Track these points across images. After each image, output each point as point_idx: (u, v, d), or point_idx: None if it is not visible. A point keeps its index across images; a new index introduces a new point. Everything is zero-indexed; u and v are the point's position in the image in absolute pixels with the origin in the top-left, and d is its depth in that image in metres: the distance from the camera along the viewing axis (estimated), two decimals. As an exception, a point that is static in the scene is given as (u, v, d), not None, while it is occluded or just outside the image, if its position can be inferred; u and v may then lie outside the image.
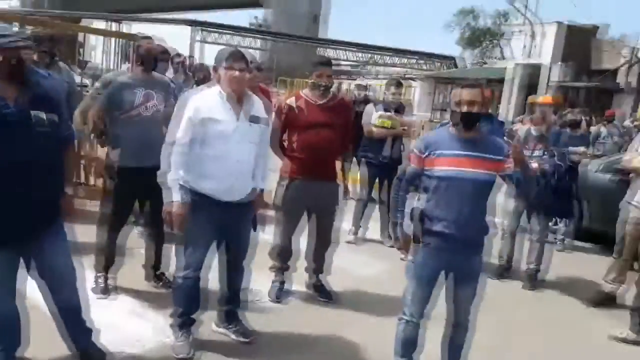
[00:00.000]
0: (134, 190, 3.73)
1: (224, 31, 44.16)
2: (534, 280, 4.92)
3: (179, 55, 6.54)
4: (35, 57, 4.32)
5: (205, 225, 3.02)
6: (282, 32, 47.93)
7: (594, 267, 5.55)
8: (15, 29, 5.48)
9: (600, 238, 6.36)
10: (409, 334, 2.91)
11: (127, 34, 8.74)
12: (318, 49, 46.07)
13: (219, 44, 43.65)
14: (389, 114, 5.53)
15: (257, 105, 3.12)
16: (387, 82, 6.01)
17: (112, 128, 3.71)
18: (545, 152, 4.69)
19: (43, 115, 2.50)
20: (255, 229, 3.27)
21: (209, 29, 43.08)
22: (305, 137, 3.80)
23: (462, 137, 2.74)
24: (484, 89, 2.75)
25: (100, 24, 44.05)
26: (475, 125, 2.73)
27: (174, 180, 2.92)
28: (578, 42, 17.35)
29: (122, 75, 3.75)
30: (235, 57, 2.95)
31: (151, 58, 3.71)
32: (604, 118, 10.18)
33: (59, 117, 2.62)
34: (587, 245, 6.64)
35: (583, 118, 7.20)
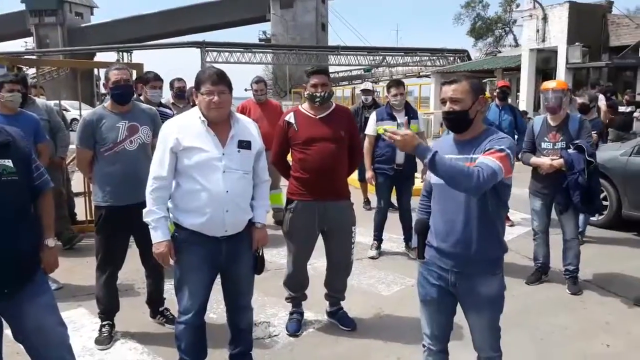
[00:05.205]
0: (124, 230, 3.50)
1: (234, 49, 44.46)
2: (577, 282, 4.50)
3: (179, 80, 6.33)
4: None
5: (198, 265, 2.75)
6: (291, 44, 48.08)
7: (637, 259, 5.14)
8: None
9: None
10: None
11: (133, 64, 8.64)
12: (329, 56, 46.07)
13: (230, 62, 44.03)
14: (387, 125, 5.19)
15: (247, 128, 2.82)
16: (387, 83, 5.62)
17: (96, 166, 3.48)
18: (570, 145, 4.27)
19: (9, 163, 2.28)
20: (259, 272, 2.96)
21: (218, 49, 43.31)
22: (307, 154, 3.49)
23: (457, 139, 2.41)
24: (469, 82, 2.35)
25: (112, 55, 44.97)
26: (464, 126, 2.35)
27: (156, 219, 2.68)
28: (591, 21, 16.74)
29: (101, 110, 3.50)
30: (213, 79, 2.65)
31: (123, 88, 3.43)
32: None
33: (29, 164, 2.40)
34: (629, 235, 6.18)
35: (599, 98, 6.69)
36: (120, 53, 43.11)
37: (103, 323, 3.59)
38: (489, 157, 2.20)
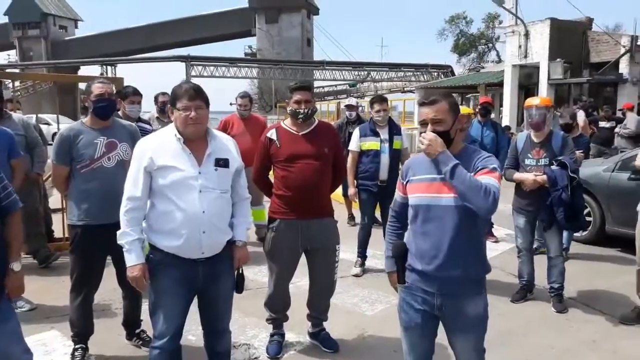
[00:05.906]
0: (101, 250, 3.36)
1: (219, 63, 44.44)
2: (562, 300, 4.46)
3: (163, 94, 6.22)
4: None
5: (173, 288, 2.62)
6: (277, 59, 48.20)
7: (622, 276, 5.10)
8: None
9: (626, 242, 5.96)
10: None
11: (112, 78, 8.57)
12: (314, 71, 46.27)
13: (215, 77, 44.01)
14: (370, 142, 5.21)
15: (224, 145, 2.73)
16: (370, 99, 5.55)
17: (72, 183, 3.36)
18: (553, 161, 4.26)
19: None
20: (240, 291, 2.84)
21: (203, 63, 43.25)
22: (289, 171, 3.41)
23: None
24: (448, 101, 2.31)
25: (95, 69, 44.64)
26: (446, 146, 2.26)
27: (130, 241, 2.57)
28: (572, 37, 17.04)
29: (79, 125, 3.39)
30: (190, 94, 2.55)
31: (107, 102, 3.33)
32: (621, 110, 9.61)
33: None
34: (613, 251, 6.18)
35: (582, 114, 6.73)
36: (104, 66, 42.79)
37: (76, 347, 3.44)
38: (489, 178, 2.17)
